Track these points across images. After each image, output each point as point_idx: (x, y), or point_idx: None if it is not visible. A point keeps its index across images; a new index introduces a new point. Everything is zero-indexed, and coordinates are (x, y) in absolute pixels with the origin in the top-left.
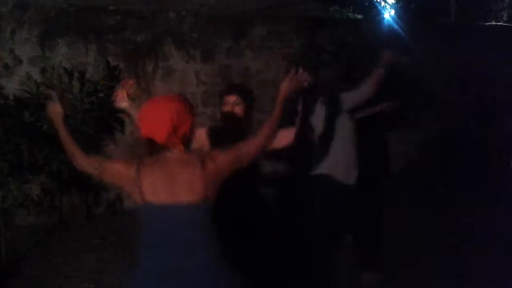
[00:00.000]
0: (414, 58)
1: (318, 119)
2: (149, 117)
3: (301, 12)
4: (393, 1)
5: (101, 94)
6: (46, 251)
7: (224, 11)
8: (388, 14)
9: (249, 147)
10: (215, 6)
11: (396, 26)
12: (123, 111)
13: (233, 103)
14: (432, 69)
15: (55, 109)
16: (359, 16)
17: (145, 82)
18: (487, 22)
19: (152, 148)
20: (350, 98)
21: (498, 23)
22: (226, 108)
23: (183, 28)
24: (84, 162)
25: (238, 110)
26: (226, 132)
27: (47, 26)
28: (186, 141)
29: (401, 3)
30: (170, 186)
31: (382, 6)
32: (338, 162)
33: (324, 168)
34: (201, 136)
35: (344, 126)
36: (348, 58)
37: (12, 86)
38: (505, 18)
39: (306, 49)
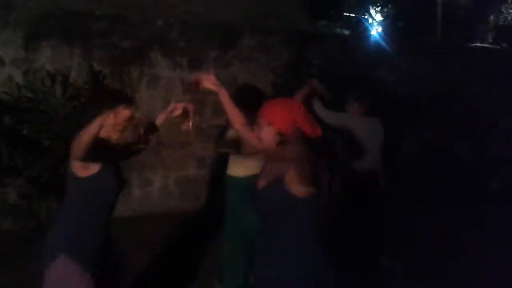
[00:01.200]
0: (399, 75)
1: None
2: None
3: (290, 24)
4: (381, 19)
5: (84, 99)
6: (22, 258)
7: (212, 19)
8: (375, 31)
9: None
10: (203, 14)
11: (383, 43)
12: None
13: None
14: (417, 87)
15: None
16: (347, 32)
17: (130, 89)
18: (473, 43)
19: None
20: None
21: (483, 44)
22: None
23: (170, 36)
24: None
25: None
26: None
27: (32, 28)
28: None
29: (389, 21)
30: None
31: (369, 22)
32: None
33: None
34: None
35: None
36: (335, 73)
37: None
38: (490, 40)
39: (294, 62)
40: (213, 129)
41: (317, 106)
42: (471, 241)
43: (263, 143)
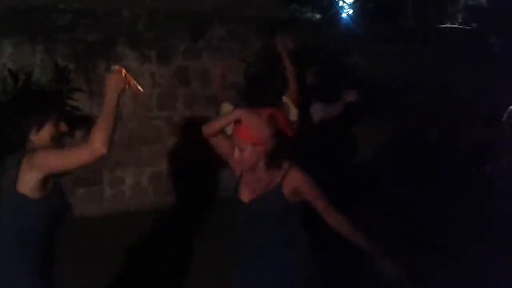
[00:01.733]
0: (372, 61)
1: None
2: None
3: (261, 11)
4: (351, 1)
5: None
6: None
7: (181, 8)
8: (346, 14)
9: None
10: (172, 4)
11: (354, 27)
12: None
13: None
14: (390, 72)
15: None
16: (318, 15)
17: (97, 84)
18: (443, 24)
19: None
20: (318, 111)
21: (453, 25)
22: None
23: (137, 28)
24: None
25: None
26: None
27: None
28: None
29: (359, 3)
30: None
31: (340, 5)
32: None
33: None
34: None
35: None
36: (308, 60)
37: None
38: (460, 20)
39: (266, 51)
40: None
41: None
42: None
43: (250, 166)
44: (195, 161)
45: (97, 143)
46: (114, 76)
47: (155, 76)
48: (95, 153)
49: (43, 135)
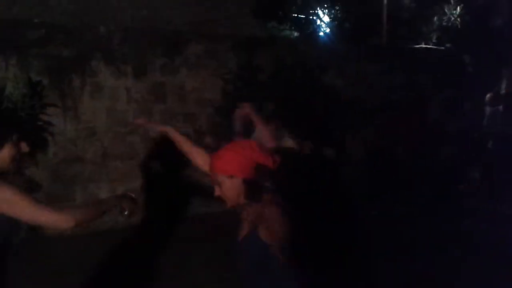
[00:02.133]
0: (348, 79)
1: None
2: None
3: (238, 28)
4: (328, 20)
5: (22, 113)
6: None
7: (157, 25)
8: (323, 33)
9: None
10: (148, 19)
11: (331, 45)
12: (46, 130)
13: None
14: (364, 90)
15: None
16: (296, 34)
17: (71, 99)
18: (417, 44)
19: None
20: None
21: (428, 46)
22: None
23: (112, 43)
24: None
25: None
26: None
27: None
28: None
29: (336, 22)
30: None
31: (317, 24)
32: None
33: None
34: None
35: None
36: (285, 79)
37: None
38: (434, 40)
39: (243, 69)
40: (161, 138)
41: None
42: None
43: (232, 201)
44: (170, 178)
45: (72, 218)
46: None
47: (130, 92)
48: (65, 224)
49: (2, 156)
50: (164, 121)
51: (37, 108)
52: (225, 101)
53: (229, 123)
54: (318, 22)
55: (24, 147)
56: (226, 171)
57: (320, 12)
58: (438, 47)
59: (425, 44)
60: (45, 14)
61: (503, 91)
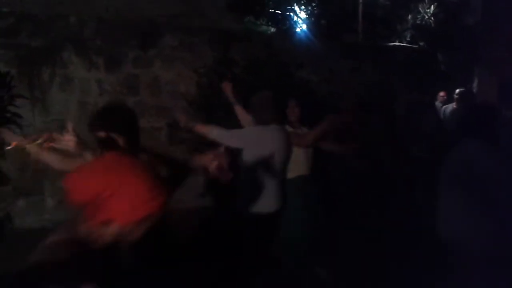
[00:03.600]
0: (323, 75)
1: None
2: None
3: (214, 22)
4: (305, 16)
5: None
6: None
7: (132, 16)
8: (300, 29)
9: None
10: (122, 10)
11: (307, 41)
12: (14, 121)
13: None
14: (338, 87)
15: None
16: (273, 29)
17: (40, 91)
18: (392, 42)
19: None
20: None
21: (402, 44)
22: None
23: (84, 34)
24: None
25: None
26: None
27: None
28: None
29: (312, 19)
30: None
31: (294, 20)
32: None
33: None
34: None
35: None
36: (259, 73)
37: None
38: (408, 39)
39: (218, 62)
40: None
41: (216, 134)
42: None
43: None
44: None
45: None
46: None
47: (102, 84)
48: None
49: None
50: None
51: (5, 100)
52: (199, 95)
53: (203, 116)
54: (295, 18)
55: None
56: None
57: (296, 8)
58: (412, 45)
59: (399, 42)
60: (15, 3)
61: (465, 89)
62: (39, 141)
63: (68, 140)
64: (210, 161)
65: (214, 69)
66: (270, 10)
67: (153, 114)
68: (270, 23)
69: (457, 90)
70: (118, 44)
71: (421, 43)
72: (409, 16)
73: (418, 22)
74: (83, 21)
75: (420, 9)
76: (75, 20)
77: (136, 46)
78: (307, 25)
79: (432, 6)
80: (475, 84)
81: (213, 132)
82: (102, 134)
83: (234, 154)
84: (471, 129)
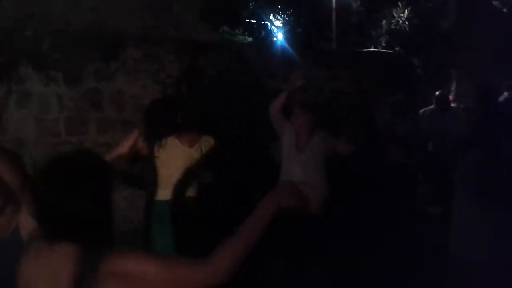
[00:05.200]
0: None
1: None
2: None
3: (187, 33)
4: (281, 25)
5: None
6: None
7: (93, 29)
8: (276, 38)
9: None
10: (84, 24)
11: (282, 50)
12: None
13: None
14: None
15: None
16: (249, 38)
17: None
18: (367, 48)
19: None
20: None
21: (377, 49)
22: None
23: (42, 48)
24: None
25: None
26: None
27: None
28: None
29: (288, 27)
30: None
31: (270, 29)
32: None
33: None
34: None
35: None
36: (229, 83)
37: None
38: (383, 44)
39: (186, 73)
40: (99, 148)
41: None
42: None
43: None
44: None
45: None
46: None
47: (62, 99)
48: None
49: None
50: (100, 130)
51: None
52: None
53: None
54: (270, 27)
55: None
56: None
57: (272, 17)
58: (387, 51)
59: (375, 48)
60: None
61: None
62: None
63: None
64: None
65: (181, 79)
66: (246, 20)
67: (118, 129)
68: (246, 33)
69: (436, 93)
70: (78, 58)
71: (397, 48)
72: (384, 22)
73: (392, 27)
74: (40, 35)
75: (394, 14)
76: (32, 34)
77: (97, 59)
78: (282, 34)
79: (406, 11)
80: (453, 88)
81: None
82: None
83: None
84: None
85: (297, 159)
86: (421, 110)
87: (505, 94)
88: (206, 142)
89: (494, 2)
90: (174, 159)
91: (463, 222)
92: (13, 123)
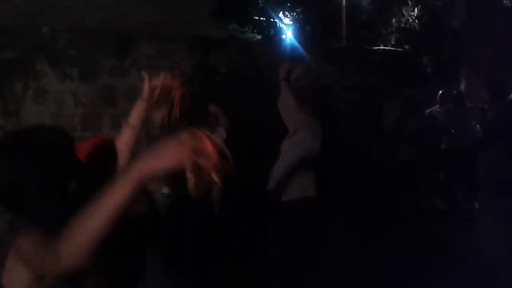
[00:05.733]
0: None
1: None
2: None
3: (196, 30)
4: (290, 22)
5: None
6: None
7: (107, 25)
8: (285, 35)
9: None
10: (102, 20)
11: (291, 48)
12: None
13: None
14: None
15: None
16: (258, 36)
17: (13, 104)
18: (376, 46)
19: None
20: None
21: (386, 47)
22: None
23: (58, 45)
24: None
25: None
26: None
27: None
28: None
29: (297, 25)
30: None
31: (279, 26)
32: None
33: None
34: None
35: None
36: (240, 80)
37: None
38: (393, 42)
39: (198, 70)
40: None
41: None
42: None
43: None
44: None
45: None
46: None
47: (77, 95)
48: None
49: None
50: (114, 126)
51: None
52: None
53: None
54: (280, 24)
55: None
56: None
57: (281, 15)
58: (397, 49)
59: (384, 46)
60: None
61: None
62: None
63: None
64: None
65: (194, 76)
66: (255, 17)
67: None
68: (255, 30)
69: (440, 92)
70: (93, 54)
71: (406, 46)
72: (393, 20)
73: (402, 25)
74: (56, 32)
75: (404, 12)
76: (47, 30)
77: (111, 56)
78: (292, 31)
79: (416, 9)
80: (462, 86)
81: None
82: None
83: None
84: None
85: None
86: (427, 111)
87: None
88: (220, 135)
89: (504, 1)
90: None
91: (489, 217)
92: (29, 118)
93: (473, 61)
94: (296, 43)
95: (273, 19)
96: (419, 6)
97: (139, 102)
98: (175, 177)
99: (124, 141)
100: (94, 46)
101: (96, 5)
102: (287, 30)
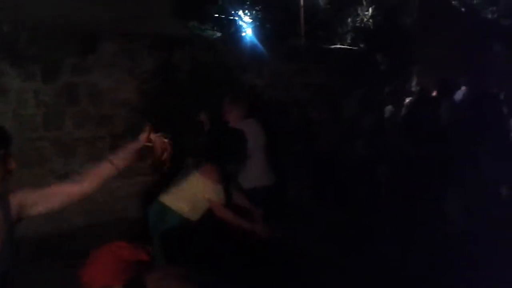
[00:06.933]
0: (267, 79)
1: None
2: None
3: (157, 28)
4: (250, 20)
5: None
6: None
7: (69, 23)
8: (245, 33)
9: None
10: (63, 18)
11: (252, 45)
12: None
13: None
14: (283, 90)
15: None
16: (218, 34)
17: None
18: (333, 45)
19: None
20: None
21: (343, 46)
22: None
23: (19, 43)
24: None
25: None
26: None
27: None
28: None
29: (257, 23)
30: None
31: (239, 24)
32: None
33: None
34: None
35: None
36: (203, 78)
37: None
38: (349, 41)
39: (160, 68)
40: (76, 142)
41: None
42: None
43: None
44: None
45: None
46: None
47: (39, 94)
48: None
49: None
50: (77, 125)
51: None
52: (141, 101)
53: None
54: (240, 22)
55: (11, 163)
56: (97, 282)
57: (241, 13)
58: (352, 47)
59: (341, 45)
60: None
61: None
62: None
63: None
64: None
65: (156, 74)
66: (215, 15)
67: (95, 124)
68: (215, 28)
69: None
70: (55, 53)
71: (361, 45)
72: (349, 19)
73: (357, 24)
74: (17, 30)
75: (359, 11)
76: (8, 28)
77: (74, 54)
78: (251, 30)
79: (370, 9)
80: (413, 83)
81: None
82: None
83: None
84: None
85: None
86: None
87: (463, 88)
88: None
89: (453, 2)
90: None
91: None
92: None
93: (424, 59)
94: (256, 41)
95: (233, 17)
96: (373, 6)
97: (128, 150)
98: None
99: (100, 173)
100: (56, 44)
101: (57, 3)
102: (247, 28)
